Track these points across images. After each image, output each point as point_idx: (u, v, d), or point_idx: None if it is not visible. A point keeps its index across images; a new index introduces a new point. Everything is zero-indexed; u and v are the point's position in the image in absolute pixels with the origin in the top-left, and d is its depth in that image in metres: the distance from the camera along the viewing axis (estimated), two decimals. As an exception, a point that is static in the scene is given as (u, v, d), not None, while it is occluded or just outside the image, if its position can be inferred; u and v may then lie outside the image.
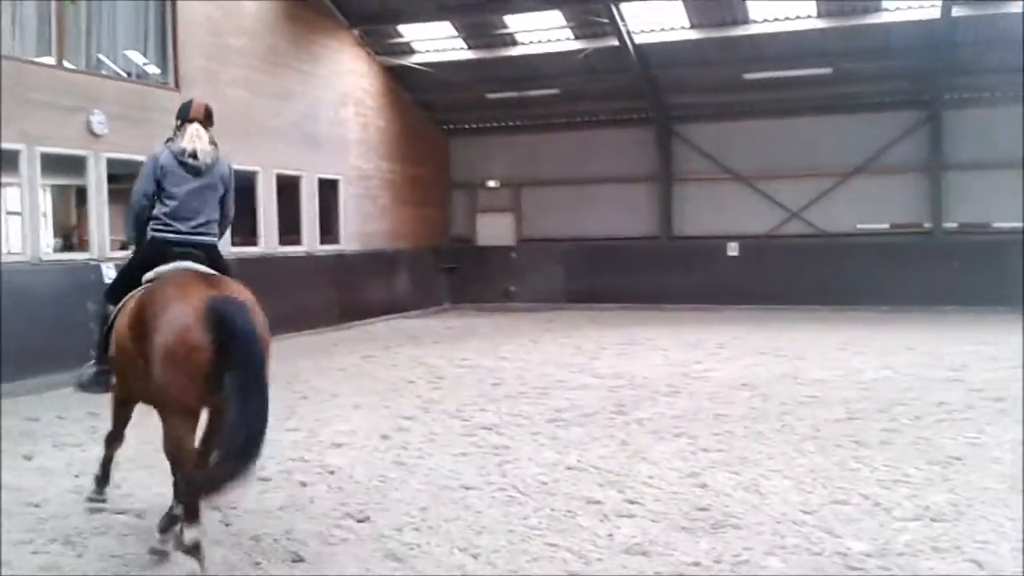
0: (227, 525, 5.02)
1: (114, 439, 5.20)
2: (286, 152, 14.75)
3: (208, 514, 4.92)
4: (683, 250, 18.91)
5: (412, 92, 19.17)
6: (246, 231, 14.32)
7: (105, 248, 11.14)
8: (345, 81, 16.67)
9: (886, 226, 17.79)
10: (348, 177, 16.67)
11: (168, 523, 4.49)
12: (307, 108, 15.39)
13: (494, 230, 20.66)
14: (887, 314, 16.28)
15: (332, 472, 6.10)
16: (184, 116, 4.97)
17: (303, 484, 5.82)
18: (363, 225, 17.14)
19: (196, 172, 4.84)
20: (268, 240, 14.30)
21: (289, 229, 15.11)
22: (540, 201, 20.39)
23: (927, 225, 17.49)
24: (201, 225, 4.88)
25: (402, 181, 18.73)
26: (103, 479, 5.30)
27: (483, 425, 7.54)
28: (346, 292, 16.11)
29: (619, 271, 18.92)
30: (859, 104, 17.79)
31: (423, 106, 19.83)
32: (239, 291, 4.55)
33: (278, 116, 14.54)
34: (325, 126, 15.90)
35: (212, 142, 4.96)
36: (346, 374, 10.63)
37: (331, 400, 8.86)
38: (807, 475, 5.84)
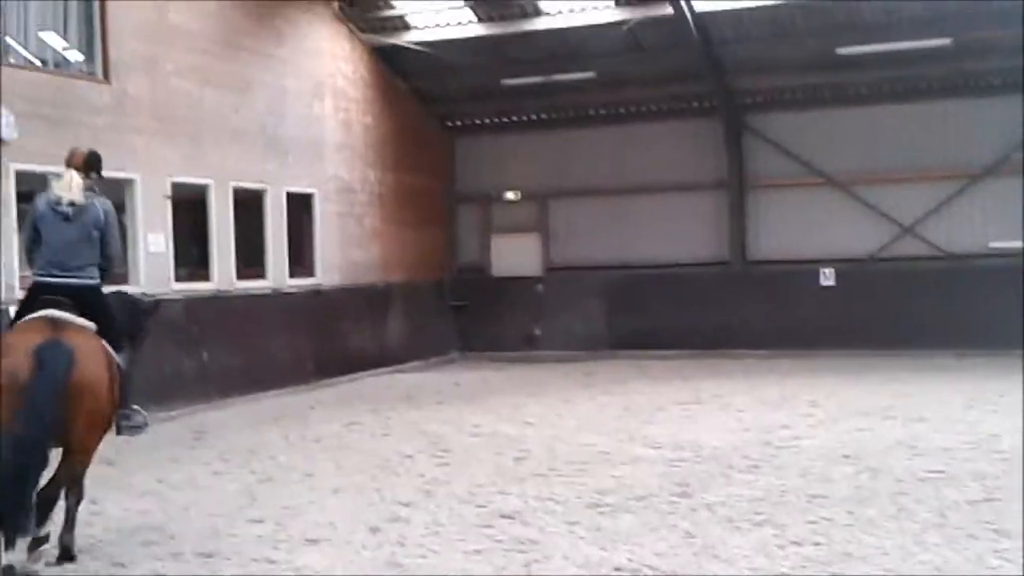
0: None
1: None
2: (245, 159, 14.93)
3: None
4: (761, 278, 18.85)
5: (407, 79, 19.39)
6: (194, 261, 14.46)
7: (14, 287, 11.24)
8: (321, 67, 16.90)
9: (1030, 244, 17.64)
10: (325, 191, 16.83)
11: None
12: (272, 102, 15.59)
13: (514, 256, 20.74)
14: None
15: (306, 577, 6.07)
16: (67, 163, 6.68)
17: (269, 593, 5.79)
18: (345, 252, 17.26)
19: (66, 218, 6.40)
20: (222, 273, 14.42)
21: (250, 259, 15.22)
22: (573, 218, 20.45)
23: (1085, 243, 17.34)
24: (77, 269, 6.43)
25: (395, 195, 18.89)
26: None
27: (503, 513, 7.48)
28: (324, 339, 16.19)
29: (677, 307, 18.90)
30: (989, 85, 17.76)
31: (421, 97, 20.03)
32: (80, 338, 6.16)
33: (235, 113, 14.74)
34: (295, 125, 16.09)
35: (90, 188, 6.56)
36: (323, 447, 10.61)
37: (304, 481, 8.85)
38: (933, 576, 5.74)
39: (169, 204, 13.42)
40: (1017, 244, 17.63)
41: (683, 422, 11.52)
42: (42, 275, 6.41)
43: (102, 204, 6.65)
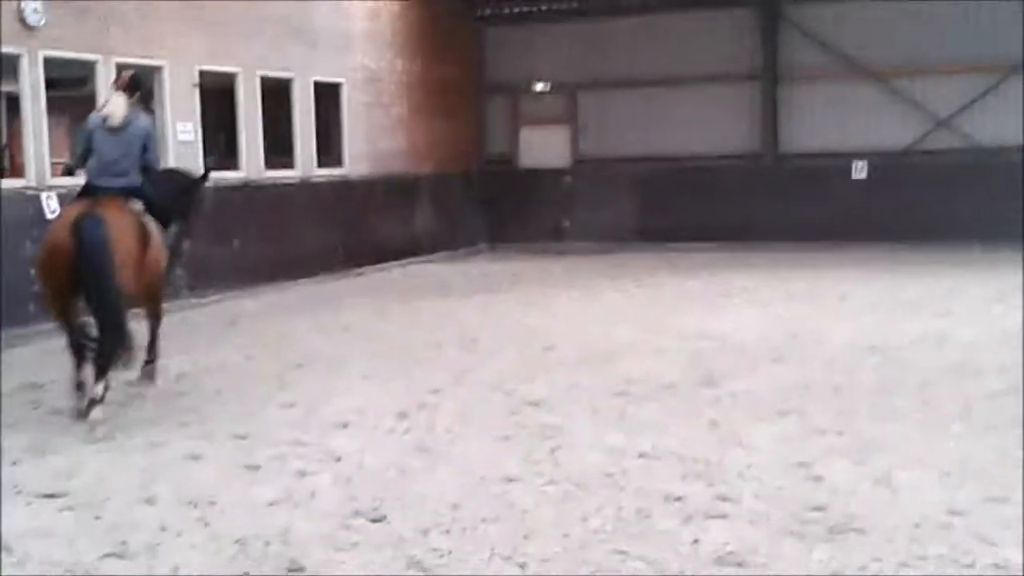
0: (206, 524, 5.14)
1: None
2: (273, 49, 14.78)
3: (183, 510, 5.27)
4: (793, 171, 18.65)
5: (436, -35, 19.03)
6: (221, 151, 14.43)
7: (45, 174, 11.31)
8: (347, -47, 16.58)
9: (1066, 137, 17.32)
10: (353, 80, 16.67)
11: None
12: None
13: (542, 148, 20.58)
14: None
15: (338, 459, 6.19)
16: (114, 85, 8.28)
17: (301, 474, 5.92)
18: (373, 143, 17.19)
19: (113, 132, 7.80)
20: (251, 162, 14.41)
21: (278, 148, 15.19)
22: (603, 109, 20.22)
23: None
24: (123, 173, 7.84)
25: (423, 85, 18.70)
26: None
27: (530, 400, 7.58)
28: (352, 229, 16.24)
29: (708, 200, 18.75)
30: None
31: (450, -15, 19.69)
32: (112, 209, 7.46)
33: (261, 2, 14.52)
34: (322, 14, 15.86)
35: (133, 106, 7.97)
36: (353, 335, 10.74)
37: (335, 369, 8.97)
38: (954, 465, 5.78)
39: (197, 92, 13.36)
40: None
41: (710, 314, 11.55)
42: (94, 179, 7.88)
43: (144, 121, 8.15)
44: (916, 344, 9.45)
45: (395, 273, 16.44)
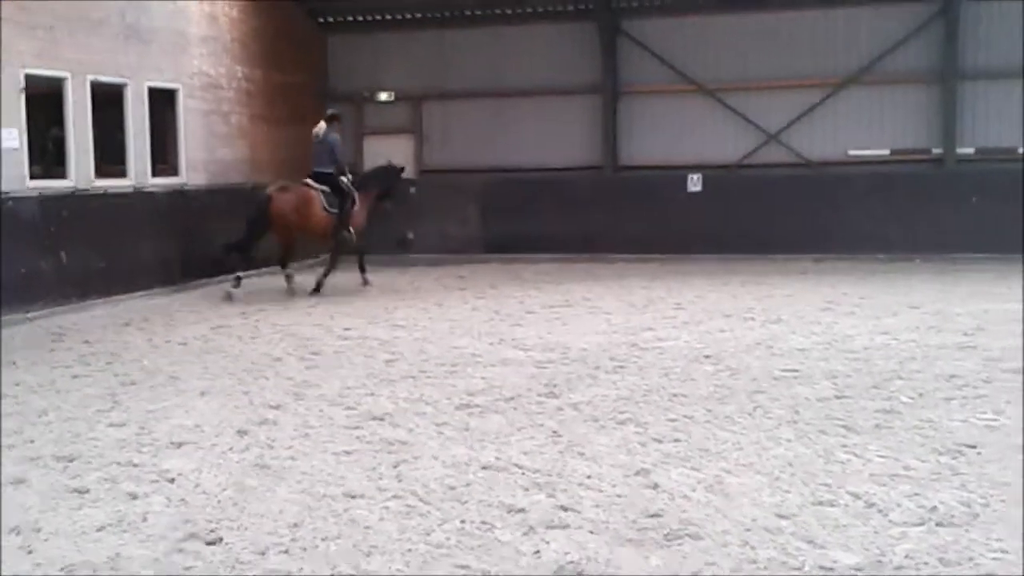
0: (29, 552, 4.92)
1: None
2: (104, 51, 14.24)
3: (5, 538, 5.05)
4: (632, 184, 19.11)
5: (275, -28, 18.73)
6: (50, 159, 13.85)
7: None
8: (184, -44, 16.15)
9: (886, 152, 18.31)
10: (189, 87, 16.24)
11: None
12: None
13: (387, 158, 20.43)
14: (885, 264, 16.84)
15: (171, 480, 6.01)
16: (324, 118, 15.12)
17: (132, 496, 5.73)
18: (211, 151, 16.79)
19: (319, 142, 14.73)
20: (80, 171, 13.84)
21: (110, 156, 14.66)
22: (448, 120, 20.29)
23: (937, 151, 18.05)
24: (321, 165, 14.71)
25: (264, 92, 18.39)
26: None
27: (373, 414, 7.53)
28: (190, 241, 15.80)
29: (551, 211, 19.01)
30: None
31: (291, -9, 19.41)
32: (298, 191, 14.64)
33: (94, 2, 13.99)
34: (157, 16, 15.38)
35: (328, 125, 14.83)
36: (189, 350, 10.44)
37: (169, 385, 8.71)
38: (784, 470, 6.01)
39: (23, 98, 12.76)
40: (875, 152, 18.30)
41: (553, 324, 11.70)
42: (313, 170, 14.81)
43: (333, 136, 14.77)
44: (749, 352, 9.78)
45: (235, 285, 16.03)
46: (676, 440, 6.72)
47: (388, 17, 20.35)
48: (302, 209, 14.43)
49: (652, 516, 5.27)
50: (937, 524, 5.08)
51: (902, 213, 17.46)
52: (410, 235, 19.11)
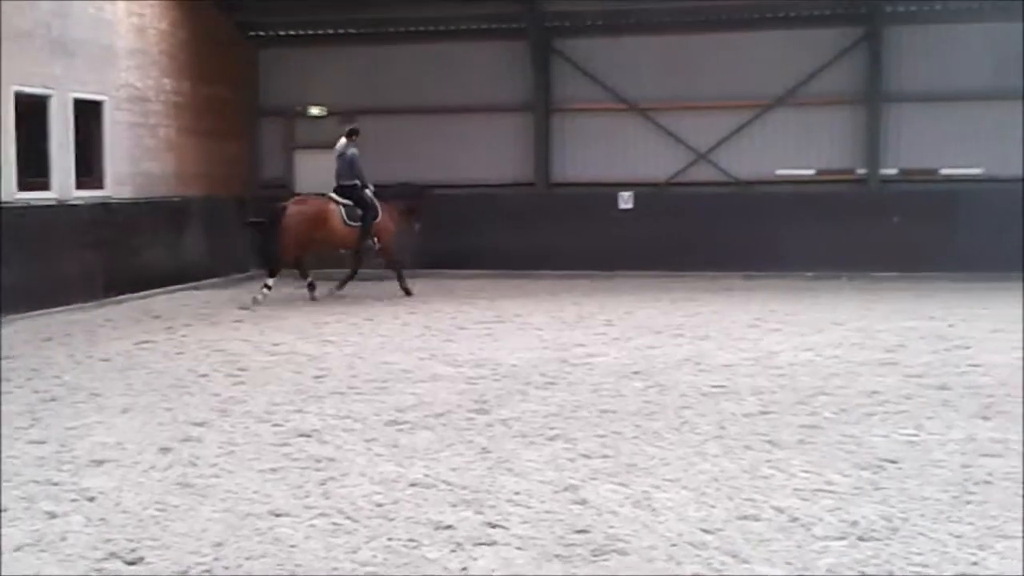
0: (-60, 576, 4.77)
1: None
2: (27, 62, 13.96)
3: None
4: (564, 201, 19.22)
5: (205, -16, 18.56)
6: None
7: None
8: (111, -34, 15.93)
9: (812, 172, 18.65)
10: (116, 99, 15.99)
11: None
12: (58, 3, 14.60)
13: (319, 173, 20.24)
14: (811, 281, 17.12)
15: (92, 499, 5.88)
16: (344, 133, 15.69)
17: (51, 515, 5.60)
18: (138, 164, 16.55)
19: (340, 157, 15.45)
20: (4, 184, 13.53)
21: (33, 169, 14.36)
22: (380, 135, 20.12)
23: (861, 171, 18.44)
24: (343, 179, 15.43)
25: (193, 105, 18.18)
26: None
27: (301, 431, 7.45)
28: (115, 255, 15.53)
29: (484, 228, 19.04)
30: (780, 19, 18.50)
31: (222, 4, 19.20)
32: (315, 203, 15.42)
33: (15, 12, 13.73)
34: (82, 27, 15.13)
35: (348, 140, 15.45)
36: (112, 366, 10.25)
37: (91, 401, 8.54)
38: (710, 485, 6.07)
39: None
40: (801, 172, 18.64)
41: (484, 340, 11.70)
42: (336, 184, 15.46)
43: (353, 152, 15.38)
44: (678, 368, 9.88)
45: (161, 300, 15.80)
46: (605, 456, 6.75)
47: (320, 31, 20.26)
48: (319, 221, 15.12)
49: (580, 532, 5.28)
50: (858, 538, 5.16)
51: (828, 232, 17.78)
52: (341, 249, 18.99)
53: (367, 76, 20.07)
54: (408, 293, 15.89)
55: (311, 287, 15.57)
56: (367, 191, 15.56)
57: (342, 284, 15.89)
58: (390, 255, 16.08)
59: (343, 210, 15.30)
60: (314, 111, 20.37)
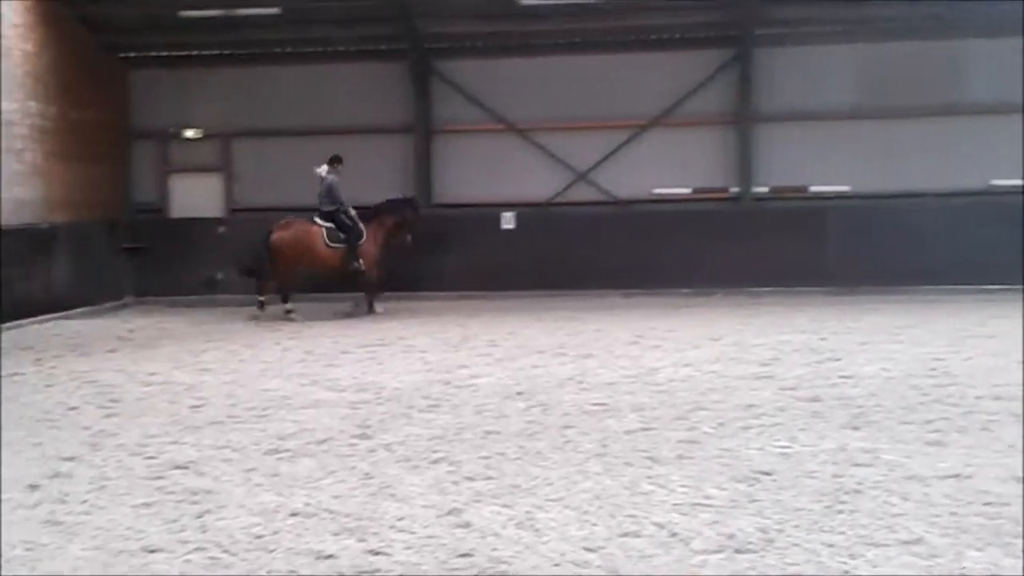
0: None
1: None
2: None
3: None
4: (445, 221, 19.20)
5: (74, 5, 18.04)
6: None
7: None
8: (-29, -15, 15.38)
9: (688, 190, 19.08)
10: (-22, 122, 15.42)
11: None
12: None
13: (194, 197, 19.99)
14: (688, 299, 17.46)
15: (-47, 541, 5.63)
16: (327, 161, 16.34)
17: (-93, 562, 5.34)
18: (4, 190, 15.95)
19: (321, 182, 16.13)
20: None
21: None
22: (259, 158, 19.95)
23: (735, 189, 18.94)
24: (324, 204, 16.16)
25: (61, 129, 17.66)
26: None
27: (176, 463, 7.27)
28: (-21, 284, 14.93)
29: (365, 250, 18.87)
30: (654, 41, 18.91)
31: (91, 25, 18.71)
32: (299, 227, 16.20)
33: None
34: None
35: (330, 166, 16.22)
36: (-22, 400, 9.84)
37: (-46, 439, 8.17)
38: (592, 503, 6.13)
39: None
40: (677, 190, 19.06)
41: (367, 364, 11.61)
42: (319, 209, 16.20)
43: (332, 179, 15.99)
44: (561, 387, 9.95)
45: (29, 331, 15.21)
46: (488, 478, 6.75)
47: (195, 53, 19.89)
48: (303, 244, 16.04)
49: (463, 556, 5.27)
50: (735, 551, 5.27)
51: (703, 249, 18.16)
52: (219, 275, 18.66)
53: (244, 98, 19.83)
54: (371, 311, 16.50)
55: (289, 312, 16.02)
56: (346, 214, 16.18)
57: (369, 304, 16.57)
58: (369, 277, 16.49)
59: (325, 232, 16.06)
60: (189, 133, 20.00)
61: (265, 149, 19.86)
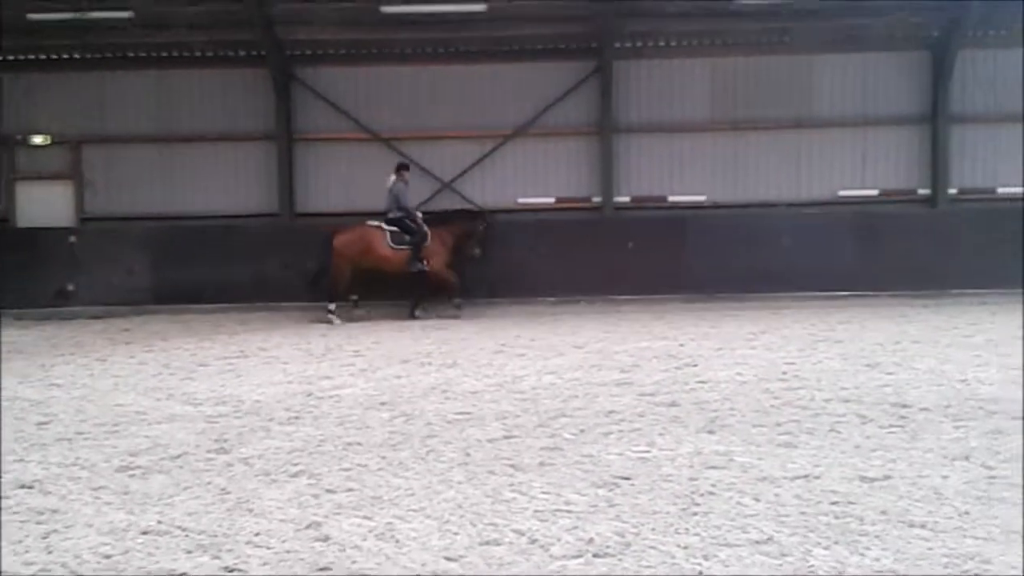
0: None
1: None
2: None
3: None
4: (310, 232, 18.97)
5: (-91, 3, 17.25)
6: None
7: None
8: None
9: (552, 200, 19.32)
10: None
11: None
12: None
13: (42, 205, 19.31)
14: (553, 307, 17.68)
15: None
16: (395, 169, 17.39)
17: None
18: None
19: (389, 191, 17.04)
20: None
21: None
22: (112, 165, 19.38)
23: (597, 199, 19.26)
24: (391, 211, 17.02)
25: None
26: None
27: (21, 483, 6.96)
28: None
29: (225, 260, 18.54)
30: (516, 51, 19.11)
31: (-72, 25, 17.89)
32: (362, 231, 16.91)
33: None
34: None
35: (397, 175, 17.08)
36: None
37: None
38: (454, 512, 6.11)
39: None
40: (541, 200, 19.27)
41: (226, 377, 11.35)
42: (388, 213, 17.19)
43: (399, 186, 16.79)
44: (424, 396, 9.92)
45: None
46: (349, 490, 6.67)
47: (44, 56, 19.18)
48: (364, 245, 16.72)
49: (322, 569, 5.19)
50: (594, 555, 5.33)
51: (567, 258, 18.43)
52: (70, 286, 18.02)
53: (96, 103, 19.25)
54: (458, 314, 17.12)
55: (355, 303, 17.28)
56: (415, 218, 17.07)
57: (417, 309, 17.13)
58: (440, 278, 17.13)
59: (388, 235, 16.87)
60: (36, 140, 19.27)
61: (118, 156, 19.28)
